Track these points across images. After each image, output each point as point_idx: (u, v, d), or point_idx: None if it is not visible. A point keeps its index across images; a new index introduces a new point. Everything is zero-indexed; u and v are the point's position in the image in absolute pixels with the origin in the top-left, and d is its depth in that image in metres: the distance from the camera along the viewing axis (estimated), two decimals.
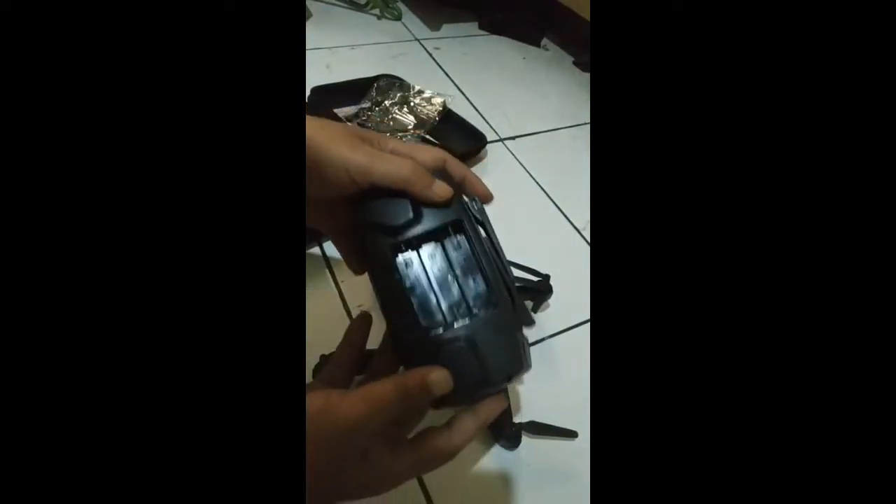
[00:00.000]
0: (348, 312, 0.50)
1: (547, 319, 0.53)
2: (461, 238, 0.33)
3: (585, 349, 0.50)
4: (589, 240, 0.63)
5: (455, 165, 0.34)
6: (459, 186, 0.34)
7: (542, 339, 0.51)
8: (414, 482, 0.40)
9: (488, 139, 0.72)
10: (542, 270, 0.53)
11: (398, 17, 0.96)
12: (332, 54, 0.83)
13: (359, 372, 0.44)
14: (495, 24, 1.00)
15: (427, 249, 0.32)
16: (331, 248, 0.55)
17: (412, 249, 0.32)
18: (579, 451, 0.43)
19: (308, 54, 0.81)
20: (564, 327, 0.53)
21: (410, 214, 0.31)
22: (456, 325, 0.31)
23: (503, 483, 0.41)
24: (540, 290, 0.52)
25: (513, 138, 0.75)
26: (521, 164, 0.71)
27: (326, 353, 0.43)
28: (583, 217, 0.65)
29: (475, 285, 0.32)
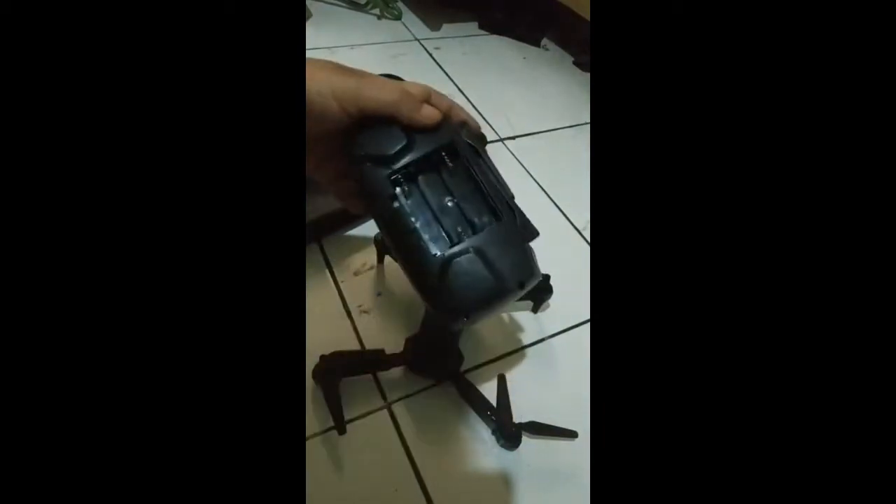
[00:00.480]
0: (348, 312, 0.50)
1: (547, 319, 0.53)
2: (456, 162, 0.33)
3: (585, 349, 0.50)
4: (589, 240, 0.63)
5: (439, 98, 0.34)
6: (446, 117, 0.34)
7: (542, 339, 0.51)
8: (414, 482, 0.40)
9: (488, 139, 0.72)
10: (542, 270, 0.53)
11: (398, 17, 0.96)
12: (332, 54, 0.83)
13: (352, 373, 0.44)
14: (495, 24, 1.00)
15: (425, 177, 0.33)
16: (331, 248, 0.55)
17: (409, 177, 0.32)
18: (579, 451, 0.43)
19: (308, 54, 0.81)
20: (564, 327, 0.53)
21: (403, 141, 0.31)
22: (463, 242, 0.31)
23: (503, 483, 0.41)
24: (540, 289, 0.52)
25: (513, 138, 0.75)
26: (521, 164, 0.71)
27: (326, 353, 0.43)
28: (583, 217, 0.65)
29: (476, 204, 0.33)
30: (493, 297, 0.31)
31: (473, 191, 0.33)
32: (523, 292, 0.33)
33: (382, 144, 0.31)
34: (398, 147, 0.31)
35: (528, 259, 0.33)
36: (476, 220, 0.32)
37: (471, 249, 0.31)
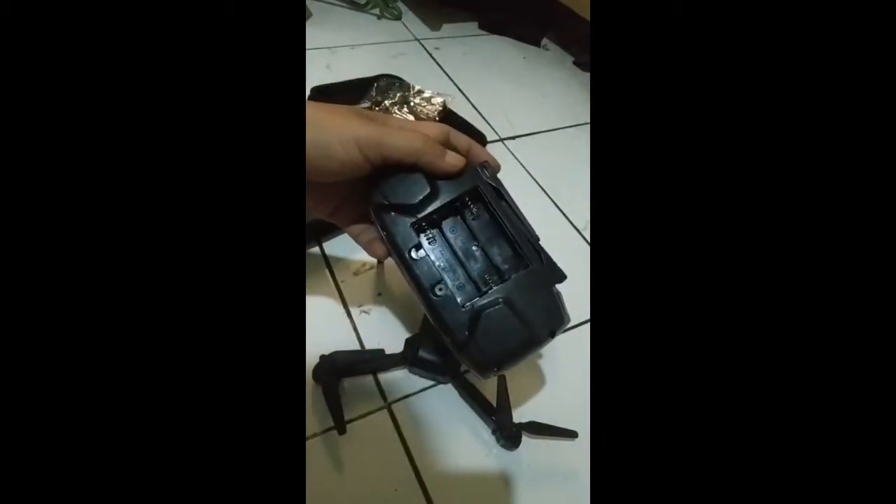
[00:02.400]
0: (348, 312, 0.50)
1: None
2: (479, 206, 0.33)
3: (585, 349, 0.50)
4: (589, 240, 0.63)
5: (458, 137, 0.33)
6: (466, 158, 0.33)
7: None
8: (414, 482, 0.40)
9: (488, 139, 0.72)
10: None
11: (398, 17, 0.96)
12: (332, 54, 0.83)
13: (352, 373, 0.44)
14: (495, 24, 0.99)
15: (448, 223, 0.33)
16: (331, 248, 0.55)
17: (434, 226, 0.32)
18: (579, 451, 0.43)
19: (308, 54, 0.81)
20: (564, 327, 0.53)
21: (427, 189, 0.31)
22: (491, 291, 0.31)
23: (503, 483, 0.41)
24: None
25: (513, 138, 0.75)
26: (521, 164, 0.71)
27: (326, 353, 0.43)
28: (583, 217, 0.65)
29: (501, 250, 0.33)
30: (524, 348, 0.31)
31: (499, 235, 0.33)
32: (553, 339, 0.32)
33: (406, 193, 0.31)
34: (422, 196, 0.31)
35: (558, 306, 0.32)
36: (503, 266, 0.32)
37: (500, 300, 0.30)
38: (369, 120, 0.30)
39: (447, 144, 0.32)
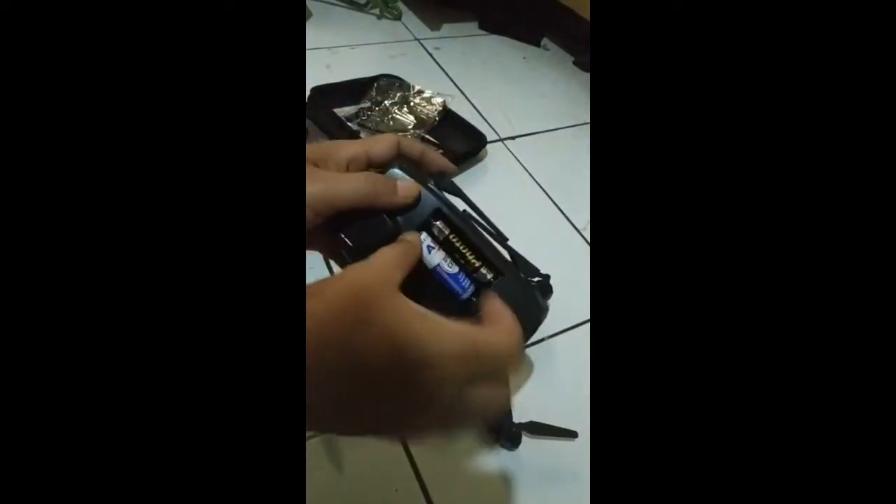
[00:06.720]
0: None
1: (547, 319, 0.53)
2: (441, 224, 0.33)
3: (585, 349, 0.50)
4: (589, 240, 0.63)
5: (409, 145, 0.33)
6: (419, 165, 0.34)
7: (542, 339, 0.51)
8: (414, 482, 0.40)
9: (488, 139, 0.72)
10: (543, 270, 0.53)
11: (398, 17, 0.96)
12: (332, 54, 0.83)
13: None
14: (495, 24, 1.00)
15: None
16: None
17: None
18: (579, 451, 0.43)
19: (308, 54, 0.81)
20: (564, 327, 0.53)
21: (389, 227, 0.31)
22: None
23: (503, 483, 0.41)
24: (540, 289, 0.52)
25: (513, 138, 0.75)
26: (521, 164, 0.71)
27: None
28: (583, 217, 0.65)
29: (473, 258, 0.33)
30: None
31: (468, 249, 0.33)
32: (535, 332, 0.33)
33: (370, 237, 0.31)
34: (385, 235, 0.31)
35: (541, 304, 0.33)
36: (479, 276, 0.33)
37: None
38: (314, 169, 0.30)
39: (399, 154, 0.32)
